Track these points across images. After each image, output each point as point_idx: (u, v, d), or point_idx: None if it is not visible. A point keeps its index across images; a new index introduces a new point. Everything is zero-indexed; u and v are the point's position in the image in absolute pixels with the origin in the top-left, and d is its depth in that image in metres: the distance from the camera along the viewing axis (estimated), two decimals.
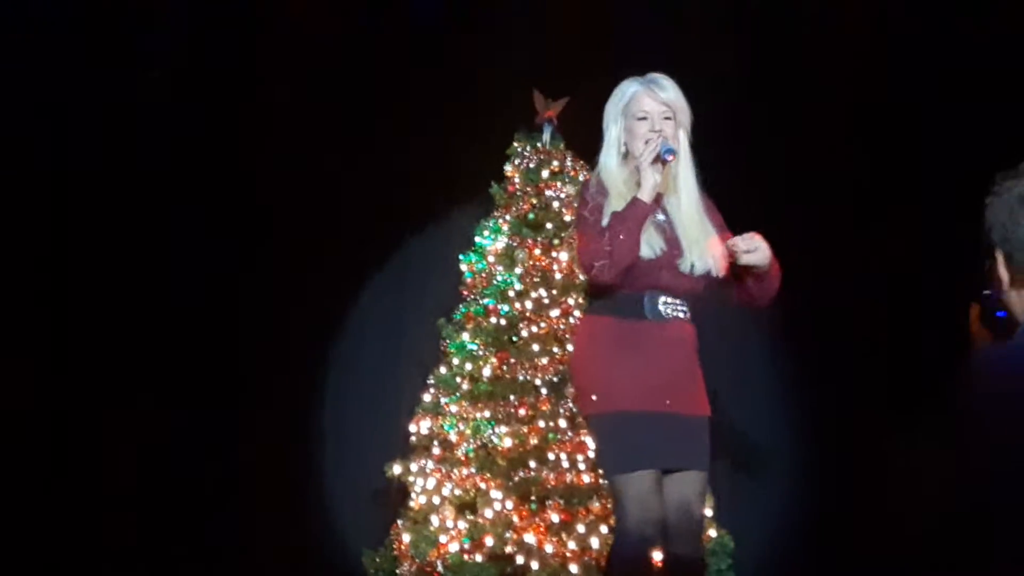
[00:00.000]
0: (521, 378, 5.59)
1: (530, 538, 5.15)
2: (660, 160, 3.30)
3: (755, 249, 3.29)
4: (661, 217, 3.41)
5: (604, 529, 5.19)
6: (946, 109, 5.32)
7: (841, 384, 5.63)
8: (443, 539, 5.29)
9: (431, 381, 5.76)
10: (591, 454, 5.36)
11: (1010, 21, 5.11)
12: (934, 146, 5.44)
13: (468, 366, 5.70)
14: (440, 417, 5.63)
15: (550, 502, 5.29)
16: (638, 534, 3.21)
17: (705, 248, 3.37)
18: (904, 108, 5.49)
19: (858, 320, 5.66)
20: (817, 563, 5.24)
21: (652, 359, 3.30)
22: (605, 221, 3.30)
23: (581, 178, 6.02)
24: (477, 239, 5.99)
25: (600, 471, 5.21)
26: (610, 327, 3.36)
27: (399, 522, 5.52)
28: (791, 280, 3.46)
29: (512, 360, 5.65)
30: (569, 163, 6.10)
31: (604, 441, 3.36)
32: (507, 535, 5.20)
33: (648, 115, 3.39)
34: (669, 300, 3.37)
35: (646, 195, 3.29)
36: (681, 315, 3.39)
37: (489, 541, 5.20)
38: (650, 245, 3.32)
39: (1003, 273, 1.91)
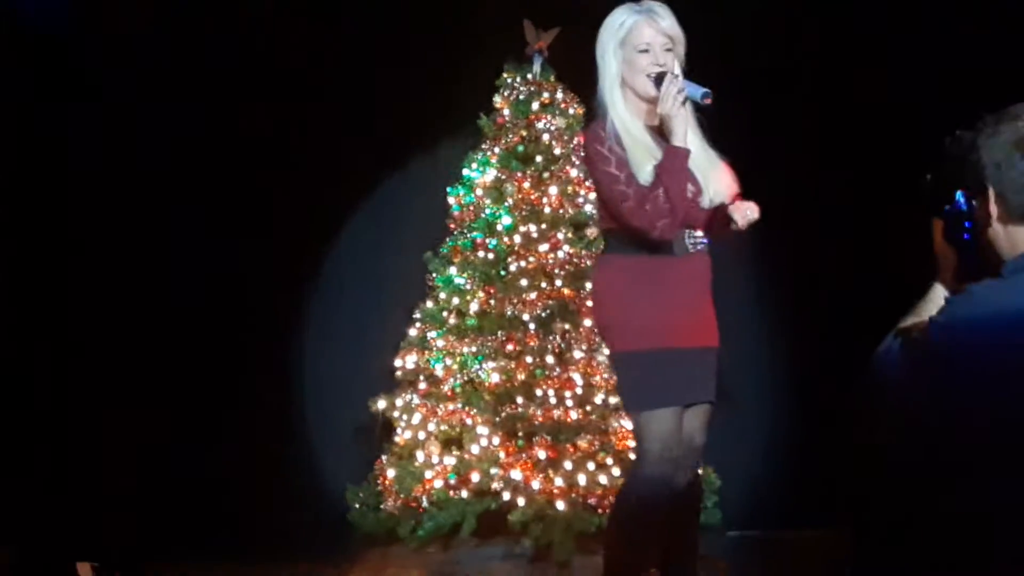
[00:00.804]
0: (509, 313, 5.54)
1: (516, 474, 5.11)
2: (685, 102, 3.24)
3: (751, 221, 3.32)
4: None
5: (591, 466, 5.16)
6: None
7: (828, 323, 5.58)
8: (428, 475, 5.26)
9: (417, 315, 5.70)
10: (579, 390, 5.34)
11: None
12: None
13: (455, 300, 5.64)
14: (426, 352, 5.58)
15: (537, 438, 5.25)
16: (658, 473, 3.25)
17: (718, 179, 3.35)
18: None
19: (843, 262, 5.61)
20: (800, 501, 5.22)
21: (680, 295, 3.31)
22: (643, 176, 3.22)
23: (572, 111, 5.93)
24: (465, 172, 5.91)
25: (602, 407, 5.24)
26: (638, 265, 3.31)
27: (383, 457, 5.49)
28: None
29: (500, 295, 5.59)
30: (560, 95, 5.99)
31: (633, 378, 3.33)
32: (493, 471, 5.16)
33: (650, 47, 3.28)
34: (693, 234, 3.35)
35: (681, 140, 3.24)
36: (702, 247, 3.38)
37: (475, 477, 5.17)
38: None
39: (993, 209, 2.00)
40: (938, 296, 2.21)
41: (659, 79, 3.25)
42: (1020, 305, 1.89)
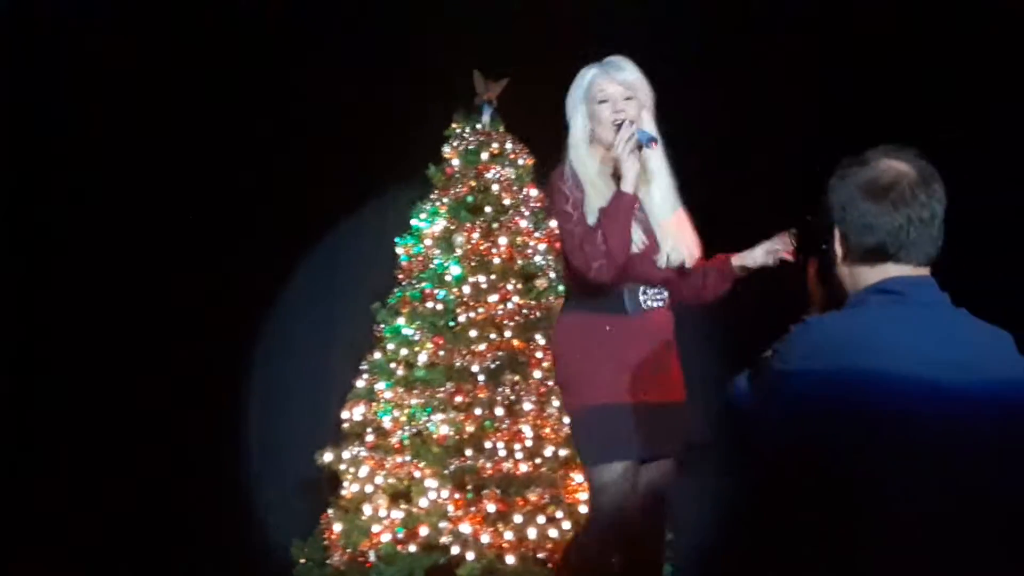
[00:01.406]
0: (458, 364, 5.50)
1: (466, 528, 5.06)
2: (640, 148, 3.29)
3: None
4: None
5: (541, 519, 5.12)
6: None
7: None
8: (376, 529, 5.18)
9: (365, 367, 5.64)
10: (528, 443, 5.31)
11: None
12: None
13: (403, 351, 5.59)
14: (374, 403, 5.52)
15: (486, 491, 5.20)
16: (609, 526, 3.27)
17: (679, 240, 3.41)
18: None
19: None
20: (750, 556, 5.19)
21: (634, 351, 3.33)
22: (591, 219, 3.30)
23: (521, 162, 5.94)
24: (414, 222, 5.88)
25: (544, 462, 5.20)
26: (592, 322, 3.37)
27: (330, 511, 5.40)
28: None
29: (449, 346, 5.55)
30: (509, 145, 6.00)
31: (585, 433, 3.38)
32: (442, 525, 5.10)
33: (609, 98, 3.37)
34: (647, 291, 3.40)
35: (629, 186, 3.28)
36: (660, 303, 3.43)
37: (423, 531, 5.10)
38: (633, 240, 3.32)
39: (838, 249, 2.10)
40: None
41: (620, 127, 3.32)
42: (850, 335, 1.98)
